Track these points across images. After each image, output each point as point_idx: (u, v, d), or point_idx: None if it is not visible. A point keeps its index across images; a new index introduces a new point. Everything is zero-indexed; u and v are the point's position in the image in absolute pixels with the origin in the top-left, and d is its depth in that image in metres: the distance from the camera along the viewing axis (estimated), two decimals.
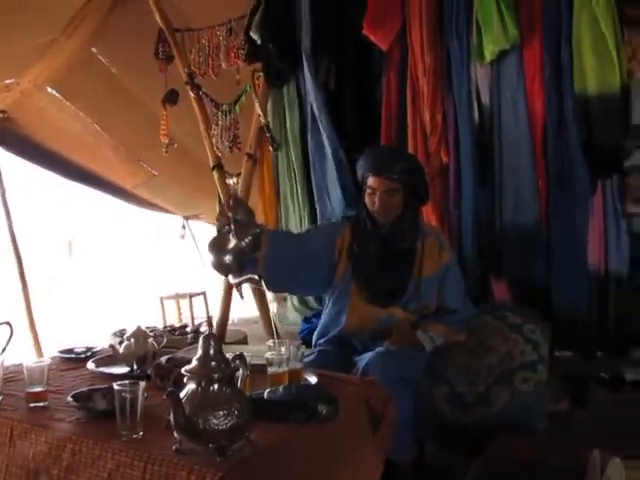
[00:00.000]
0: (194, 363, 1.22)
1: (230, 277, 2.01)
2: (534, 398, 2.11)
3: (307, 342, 2.38)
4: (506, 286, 2.56)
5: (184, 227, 5.28)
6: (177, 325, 3.32)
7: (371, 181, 2.18)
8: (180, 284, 5.10)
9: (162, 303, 4.87)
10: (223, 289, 3.12)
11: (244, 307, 3.40)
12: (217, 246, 1.91)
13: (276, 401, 1.43)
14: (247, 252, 1.90)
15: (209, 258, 1.94)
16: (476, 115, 2.54)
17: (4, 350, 1.86)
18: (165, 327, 3.27)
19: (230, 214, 1.88)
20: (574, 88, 2.29)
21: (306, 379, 1.67)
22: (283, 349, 1.69)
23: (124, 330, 2.55)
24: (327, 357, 2.14)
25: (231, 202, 1.92)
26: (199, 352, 1.22)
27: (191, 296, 4.89)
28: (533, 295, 2.49)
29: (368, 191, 2.20)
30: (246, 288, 3.22)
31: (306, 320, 2.75)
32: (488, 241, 2.55)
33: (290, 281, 2.23)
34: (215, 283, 4.02)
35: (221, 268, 1.93)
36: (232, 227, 1.85)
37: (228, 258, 1.88)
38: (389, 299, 2.21)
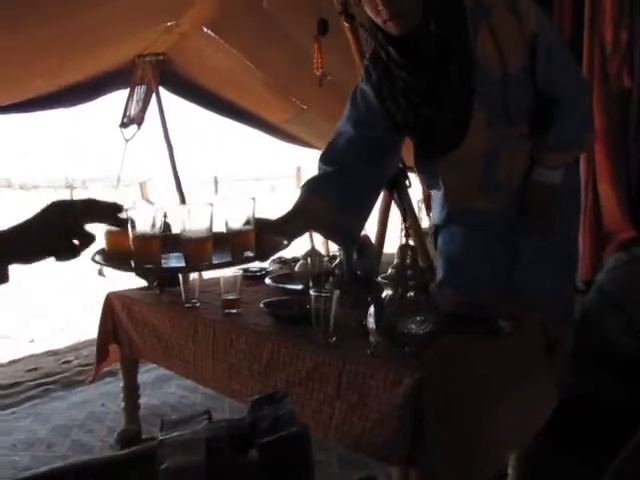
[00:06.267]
0: (391, 271, 1.27)
1: None
2: None
3: None
4: None
5: None
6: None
7: None
8: None
9: (311, 235, 5.04)
10: (378, 217, 3.18)
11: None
12: None
13: (461, 315, 1.45)
14: None
15: None
16: None
17: None
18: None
19: None
20: None
21: None
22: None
23: (282, 257, 2.70)
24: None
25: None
26: (396, 261, 1.26)
27: None
28: None
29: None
30: None
31: None
32: None
33: None
34: None
35: None
36: None
37: None
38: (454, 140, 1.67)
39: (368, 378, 1.27)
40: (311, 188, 1.74)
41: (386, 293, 1.26)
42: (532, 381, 1.59)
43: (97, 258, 1.07)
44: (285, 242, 1.25)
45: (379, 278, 1.27)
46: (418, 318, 1.21)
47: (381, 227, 3.25)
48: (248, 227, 1.18)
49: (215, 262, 1.11)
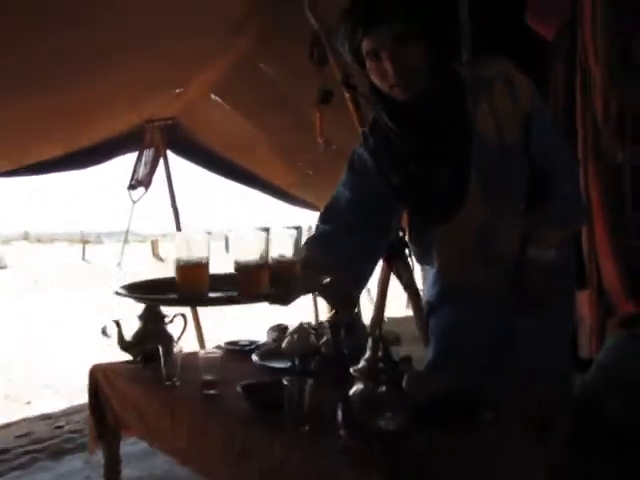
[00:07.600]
0: (362, 363, 1.23)
1: None
2: None
3: None
4: None
5: None
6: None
7: (368, 43, 1.50)
8: None
9: (315, 300, 5.02)
10: (378, 289, 3.14)
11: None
12: None
13: (439, 407, 1.40)
14: None
15: None
16: None
17: (179, 338, 2.02)
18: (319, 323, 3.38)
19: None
20: None
21: None
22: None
23: (281, 325, 2.66)
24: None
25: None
26: (367, 353, 1.22)
27: None
28: None
29: (370, 61, 1.53)
30: None
31: None
32: None
33: None
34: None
35: None
36: None
37: None
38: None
39: (336, 476, 1.21)
40: (309, 245, 1.79)
41: (356, 387, 1.21)
42: (521, 472, 1.51)
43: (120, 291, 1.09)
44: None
45: (351, 370, 1.23)
46: (388, 414, 1.16)
47: (381, 298, 3.21)
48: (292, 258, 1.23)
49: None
